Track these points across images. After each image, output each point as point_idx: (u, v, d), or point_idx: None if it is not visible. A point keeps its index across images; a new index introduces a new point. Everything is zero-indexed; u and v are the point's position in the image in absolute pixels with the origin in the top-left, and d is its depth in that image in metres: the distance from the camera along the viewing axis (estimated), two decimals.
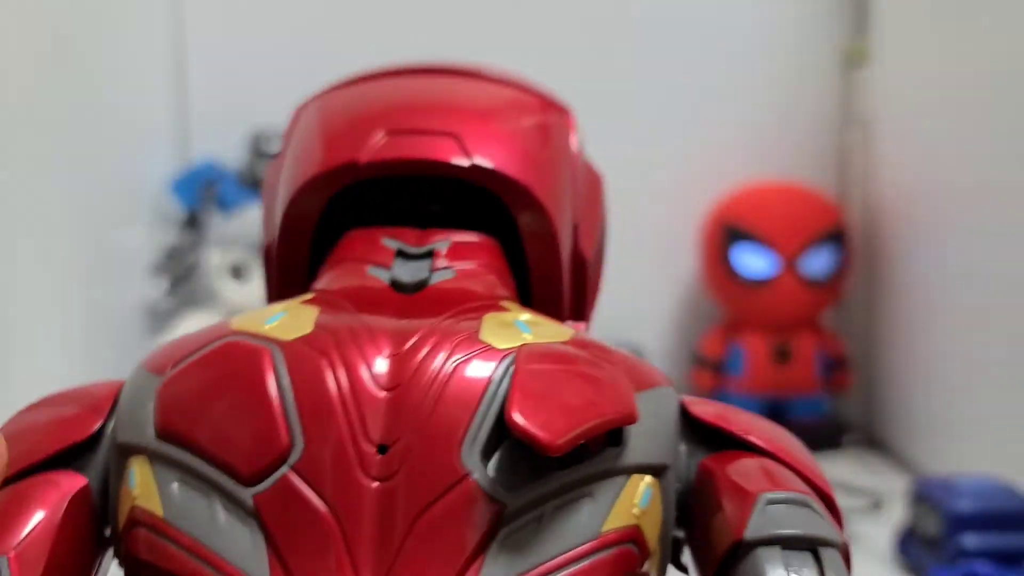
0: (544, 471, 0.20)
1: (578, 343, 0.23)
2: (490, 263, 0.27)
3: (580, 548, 0.20)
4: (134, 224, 1.04)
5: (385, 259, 0.25)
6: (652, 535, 0.22)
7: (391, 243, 0.26)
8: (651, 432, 0.22)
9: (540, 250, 0.28)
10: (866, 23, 1.15)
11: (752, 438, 0.25)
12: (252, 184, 0.99)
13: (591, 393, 0.21)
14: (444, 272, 0.25)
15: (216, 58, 1.13)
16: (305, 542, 0.19)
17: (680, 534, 0.24)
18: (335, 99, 0.30)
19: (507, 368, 0.21)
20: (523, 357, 0.21)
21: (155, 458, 0.21)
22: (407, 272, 0.25)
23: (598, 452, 0.21)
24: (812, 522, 0.22)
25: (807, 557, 0.21)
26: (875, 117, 1.08)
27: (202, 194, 1.01)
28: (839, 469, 0.94)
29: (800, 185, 1.09)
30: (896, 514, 0.74)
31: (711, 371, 1.09)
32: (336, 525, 0.19)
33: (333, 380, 0.21)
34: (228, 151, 1.05)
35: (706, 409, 0.26)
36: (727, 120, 1.17)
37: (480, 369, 0.21)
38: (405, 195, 0.28)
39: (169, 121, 1.10)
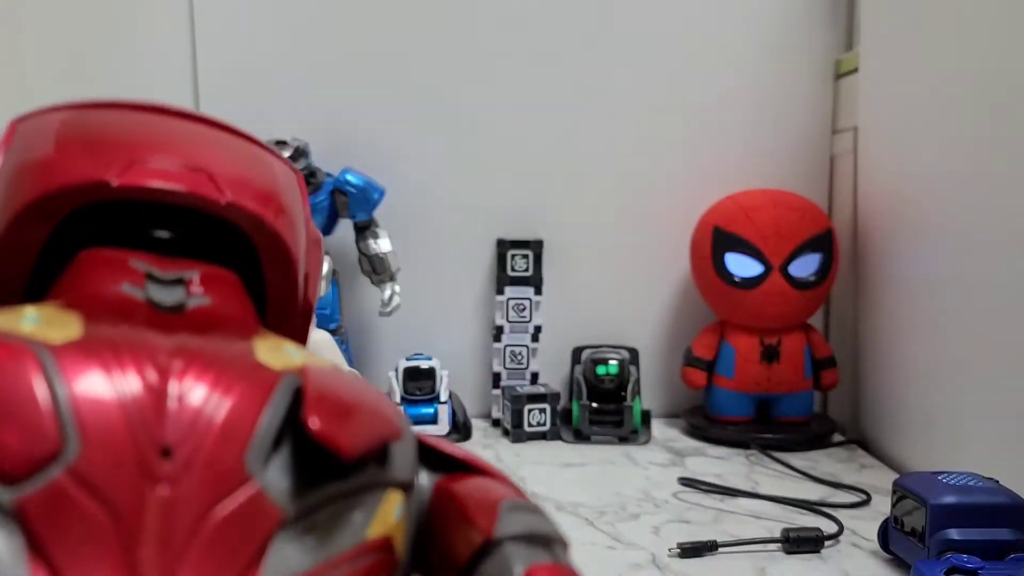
0: (320, 481, 0.22)
1: (339, 370, 0.24)
2: (237, 295, 0.27)
3: (347, 552, 0.22)
4: None
5: (136, 279, 0.25)
6: (400, 545, 0.23)
7: (139, 265, 0.25)
8: (404, 452, 0.24)
9: (280, 289, 0.28)
10: (855, 36, 1.17)
11: (473, 459, 0.27)
12: None
13: (371, 409, 0.23)
14: (200, 298, 0.25)
15: (225, 73, 1.15)
16: (78, 546, 0.19)
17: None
18: (79, 119, 0.28)
19: (285, 385, 0.22)
20: (311, 373, 0.23)
21: None
22: (162, 294, 0.25)
23: (366, 466, 0.23)
24: (545, 522, 0.25)
25: (543, 550, 0.24)
26: (862, 126, 1.10)
27: None
28: (827, 466, 0.97)
29: (788, 192, 1.11)
30: (882, 509, 0.76)
31: (704, 370, 1.11)
32: (114, 529, 0.19)
33: (113, 386, 0.20)
34: None
35: (430, 439, 0.27)
36: (721, 131, 1.19)
37: (261, 385, 0.22)
38: (132, 220, 0.27)
39: None
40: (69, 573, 0.19)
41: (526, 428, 1.08)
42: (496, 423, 1.16)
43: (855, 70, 1.12)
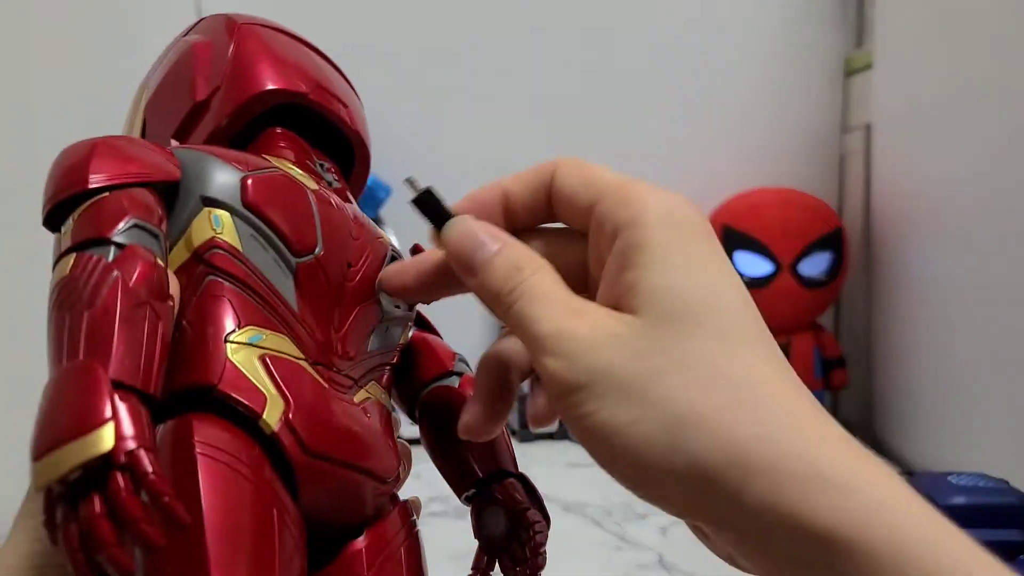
0: (401, 308, 0.39)
1: None
2: (343, 179, 0.42)
3: (395, 345, 0.39)
4: None
5: (312, 159, 0.39)
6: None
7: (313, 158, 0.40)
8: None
9: (359, 177, 0.43)
10: (865, 33, 1.17)
11: (434, 329, 0.45)
12: None
13: None
14: (335, 181, 0.40)
15: None
16: (315, 294, 0.34)
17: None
18: (278, 39, 0.41)
19: (391, 246, 0.39)
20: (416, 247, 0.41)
21: (237, 215, 0.33)
22: (326, 173, 0.39)
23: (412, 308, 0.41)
24: (468, 367, 0.43)
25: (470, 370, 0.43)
26: (873, 124, 1.10)
27: None
28: None
29: (798, 190, 1.11)
30: None
31: None
32: (331, 290, 0.35)
33: (334, 220, 0.36)
34: None
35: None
36: (730, 130, 1.19)
37: (383, 245, 0.38)
38: (287, 119, 0.40)
39: None
40: (309, 305, 0.34)
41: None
42: None
43: (866, 68, 1.12)
